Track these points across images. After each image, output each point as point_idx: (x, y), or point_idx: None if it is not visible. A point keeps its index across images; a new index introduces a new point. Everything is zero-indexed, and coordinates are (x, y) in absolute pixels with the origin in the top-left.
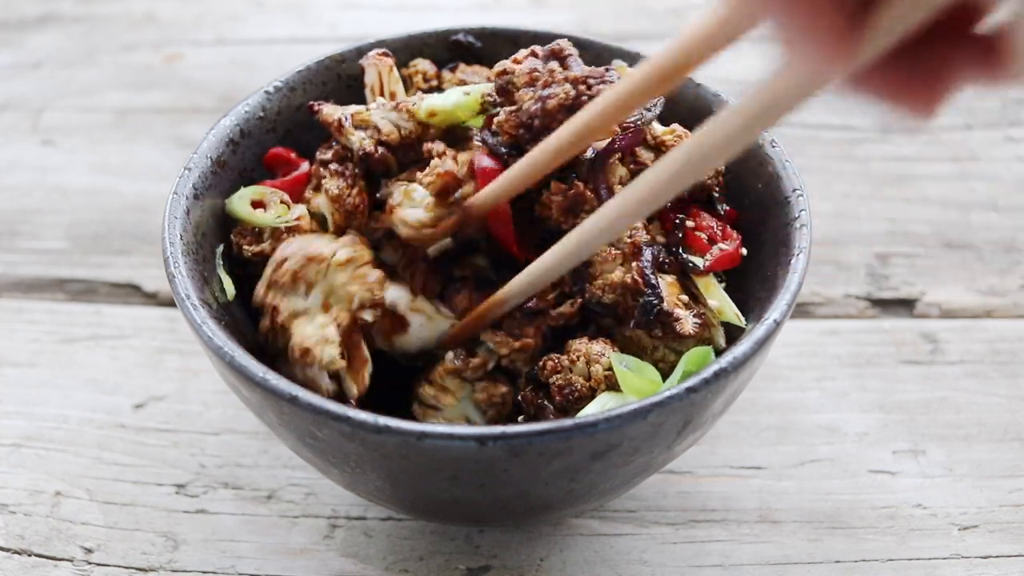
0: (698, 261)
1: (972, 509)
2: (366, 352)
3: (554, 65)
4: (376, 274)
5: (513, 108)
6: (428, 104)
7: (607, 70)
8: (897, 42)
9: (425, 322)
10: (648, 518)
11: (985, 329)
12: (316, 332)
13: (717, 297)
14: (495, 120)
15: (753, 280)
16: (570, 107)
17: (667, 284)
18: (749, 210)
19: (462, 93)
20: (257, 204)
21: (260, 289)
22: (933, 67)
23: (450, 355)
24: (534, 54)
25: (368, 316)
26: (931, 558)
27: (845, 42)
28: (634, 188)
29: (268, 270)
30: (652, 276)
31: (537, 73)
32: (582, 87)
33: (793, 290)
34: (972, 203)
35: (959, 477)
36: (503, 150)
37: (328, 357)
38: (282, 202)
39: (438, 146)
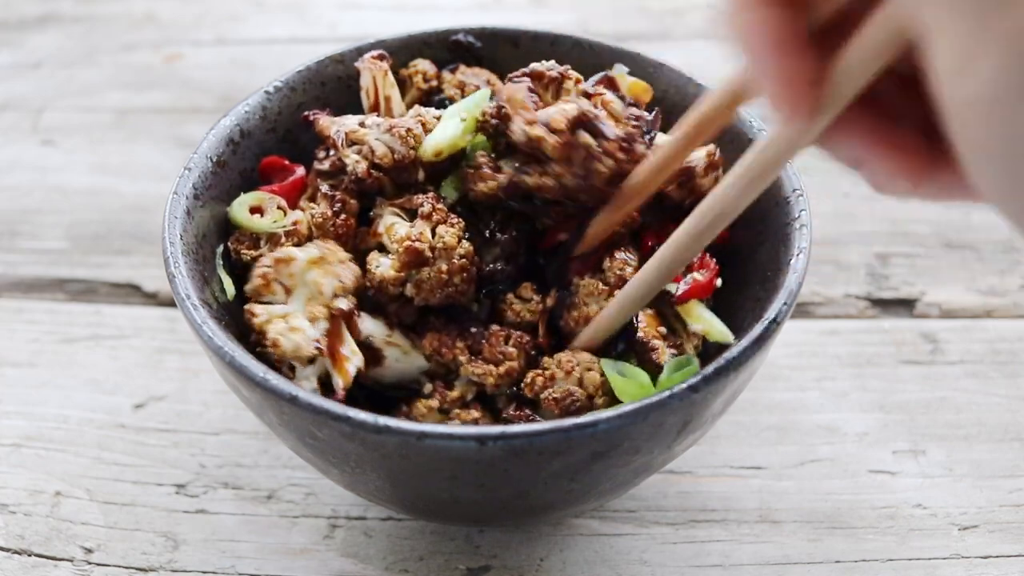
0: (673, 288)
1: (972, 509)
2: (353, 346)
3: (585, 136)
4: (352, 269)
5: (552, 181)
6: (432, 145)
7: (639, 126)
8: (861, 101)
9: (401, 356)
10: (648, 518)
11: (985, 329)
12: (284, 325)
13: (702, 320)
14: (525, 181)
15: (753, 280)
16: (611, 178)
17: (646, 316)
18: (749, 210)
19: (458, 120)
20: (255, 210)
21: (246, 307)
22: (903, 133)
23: (428, 387)
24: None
25: (343, 304)
26: (931, 558)
27: (804, 98)
28: (650, 265)
29: (247, 286)
30: None
31: (573, 150)
32: (621, 156)
33: (793, 290)
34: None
35: (959, 477)
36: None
37: (291, 345)
38: (279, 207)
39: (426, 205)
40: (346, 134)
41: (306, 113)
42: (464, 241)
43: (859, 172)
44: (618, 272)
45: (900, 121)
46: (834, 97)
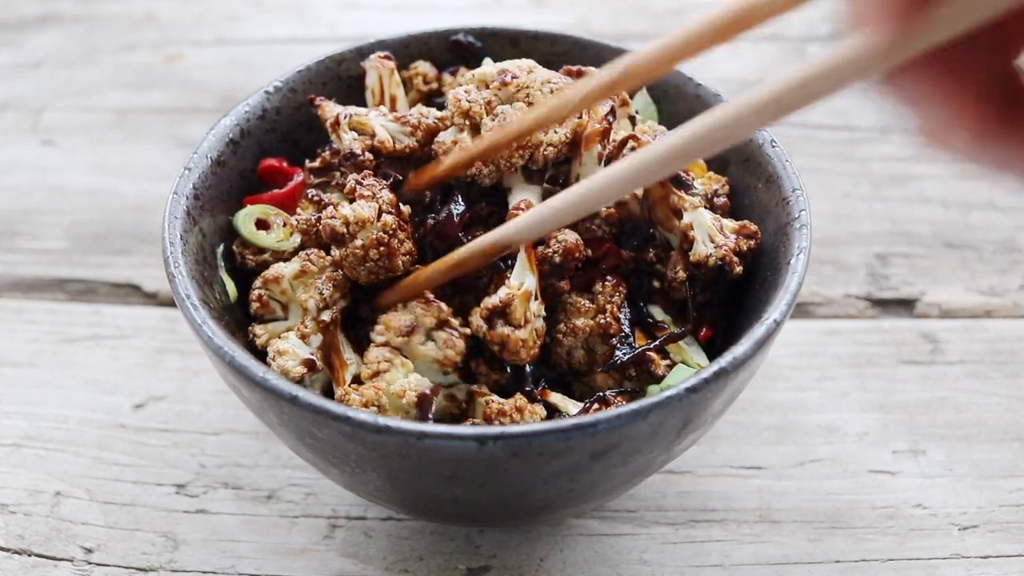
0: (657, 312)
1: (972, 509)
2: (349, 352)
3: None
4: (333, 277)
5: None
6: None
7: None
8: (952, 42)
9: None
10: (648, 518)
11: (985, 329)
12: (276, 345)
13: (684, 356)
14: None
15: (753, 280)
16: None
17: (638, 334)
18: (749, 210)
19: None
20: (261, 223)
21: (250, 328)
22: (978, 89)
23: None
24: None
25: (327, 316)
26: (931, 558)
27: (905, 18)
28: (654, 148)
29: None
30: (627, 325)
31: None
32: None
33: (793, 290)
34: (972, 203)
35: (959, 477)
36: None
37: (281, 369)
38: (285, 224)
39: (350, 182)
40: (350, 115)
41: (311, 96)
42: (387, 215)
43: (914, 113)
44: (608, 297)
45: (978, 67)
46: (933, 24)
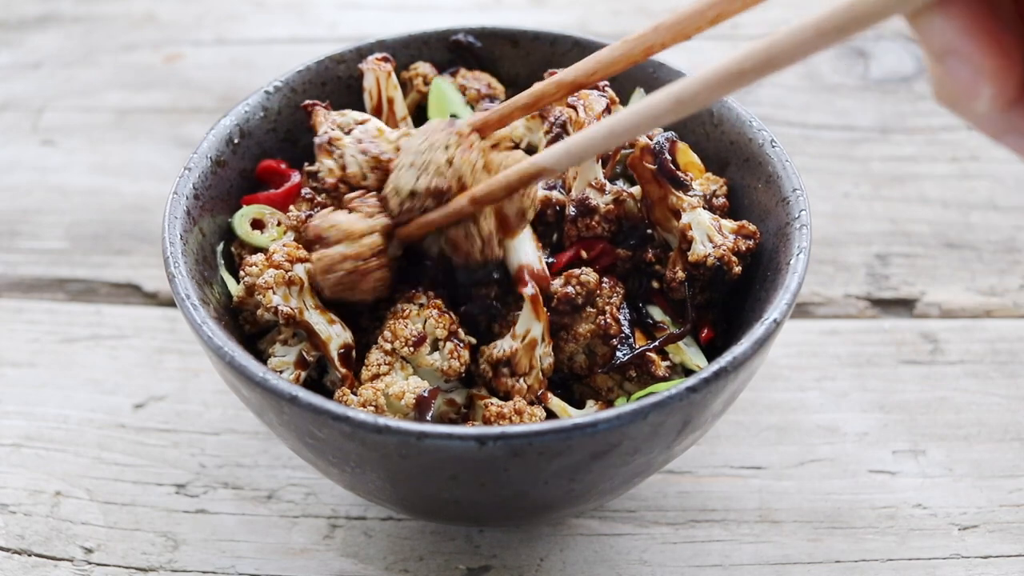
0: (657, 313)
1: (972, 509)
2: (337, 328)
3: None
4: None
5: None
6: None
7: None
8: None
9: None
10: (648, 518)
11: (985, 329)
12: (270, 364)
13: (684, 357)
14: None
15: (753, 280)
16: None
17: (637, 335)
18: (749, 210)
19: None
20: (256, 223)
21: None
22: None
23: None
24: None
25: (295, 304)
26: (931, 558)
27: None
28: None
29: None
30: (626, 325)
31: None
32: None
33: (793, 290)
34: (972, 203)
35: (959, 477)
36: None
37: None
38: (279, 224)
39: (355, 202)
40: (331, 139)
41: (306, 102)
42: (375, 236)
43: (942, 66)
44: (607, 299)
45: (1012, 23)
46: None
